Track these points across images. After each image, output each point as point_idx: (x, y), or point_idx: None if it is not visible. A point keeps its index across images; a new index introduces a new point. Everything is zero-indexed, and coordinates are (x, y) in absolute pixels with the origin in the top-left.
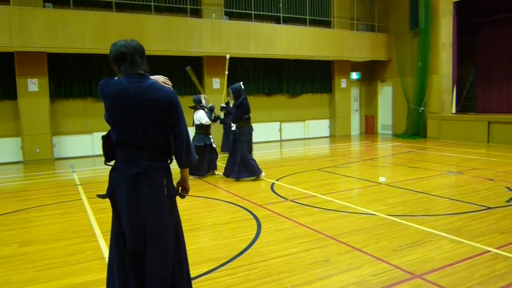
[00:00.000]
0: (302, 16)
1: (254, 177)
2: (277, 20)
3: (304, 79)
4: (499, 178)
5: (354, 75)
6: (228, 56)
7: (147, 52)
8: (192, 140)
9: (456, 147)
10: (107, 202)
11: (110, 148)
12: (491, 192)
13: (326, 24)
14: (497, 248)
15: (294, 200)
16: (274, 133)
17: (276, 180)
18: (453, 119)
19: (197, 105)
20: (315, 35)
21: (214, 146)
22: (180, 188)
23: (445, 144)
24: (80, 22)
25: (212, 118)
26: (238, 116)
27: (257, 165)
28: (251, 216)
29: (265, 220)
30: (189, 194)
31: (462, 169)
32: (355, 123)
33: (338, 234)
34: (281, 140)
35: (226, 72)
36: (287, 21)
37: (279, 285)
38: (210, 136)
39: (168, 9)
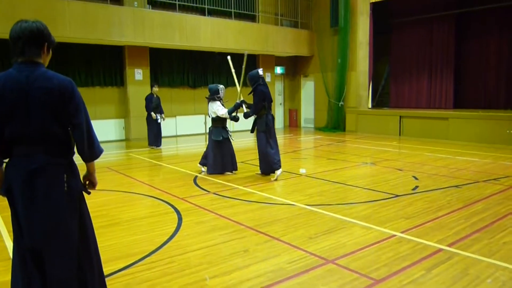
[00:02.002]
0: (227, 9)
1: (271, 173)
2: (202, 11)
3: (229, 72)
4: (407, 168)
5: (278, 70)
6: (246, 52)
7: (62, 39)
8: (209, 134)
9: (371, 139)
10: None
11: (3, 145)
12: (400, 181)
13: (251, 18)
14: (402, 232)
15: (216, 193)
16: (198, 126)
17: (199, 173)
18: (369, 113)
19: (214, 96)
20: (240, 29)
21: (232, 139)
22: (87, 183)
23: (362, 137)
24: None
25: (233, 115)
26: (257, 104)
27: (277, 159)
28: (172, 210)
29: (186, 213)
30: (109, 189)
31: (375, 160)
32: (279, 117)
33: (258, 225)
34: (206, 133)
35: (244, 66)
36: (212, 13)
37: (198, 277)
38: (228, 129)
39: None
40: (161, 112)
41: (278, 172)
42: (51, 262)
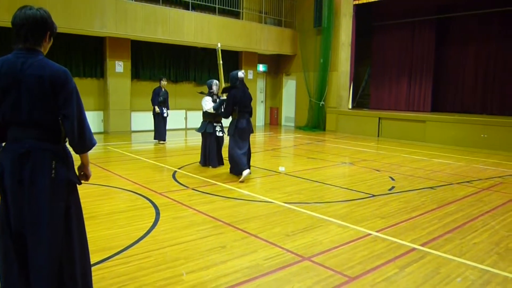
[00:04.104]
0: (211, 5)
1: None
2: (185, 6)
3: (211, 68)
4: (384, 169)
5: (261, 67)
6: (219, 45)
7: None
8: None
9: (350, 140)
10: None
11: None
12: (377, 182)
13: (235, 14)
14: (377, 231)
15: (195, 188)
16: (179, 121)
17: (179, 168)
18: (349, 114)
19: (209, 91)
20: (224, 25)
21: (220, 135)
22: (81, 173)
23: (342, 137)
24: None
25: (221, 111)
26: (226, 107)
27: (244, 161)
28: (150, 204)
29: (164, 208)
30: (87, 182)
31: (354, 160)
32: (260, 114)
33: (236, 221)
34: (186, 129)
35: (220, 62)
36: (196, 8)
37: (174, 272)
38: (216, 125)
39: None
40: (167, 106)
41: (244, 173)
42: (34, 249)
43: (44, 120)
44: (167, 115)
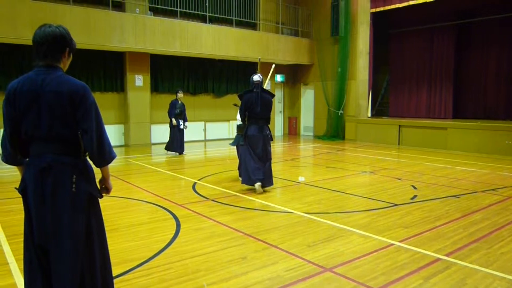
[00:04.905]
0: (229, 17)
1: (251, 185)
2: (203, 19)
3: (229, 79)
4: (406, 177)
5: (279, 78)
6: (273, 66)
7: None
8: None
9: (370, 148)
10: (12, 204)
11: (22, 144)
12: (398, 190)
13: (252, 26)
14: (400, 241)
15: (214, 200)
16: (198, 133)
17: (198, 180)
18: (369, 122)
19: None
20: (241, 36)
21: None
22: (103, 186)
23: (361, 145)
24: None
25: None
26: (240, 112)
27: (252, 173)
28: (171, 216)
29: (184, 219)
30: (108, 194)
31: (374, 169)
32: (278, 124)
33: (256, 232)
34: (205, 140)
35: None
36: (213, 20)
37: (195, 284)
38: None
39: (87, 0)
40: (184, 119)
41: (256, 186)
42: (56, 261)
43: (64, 135)
44: (185, 127)
